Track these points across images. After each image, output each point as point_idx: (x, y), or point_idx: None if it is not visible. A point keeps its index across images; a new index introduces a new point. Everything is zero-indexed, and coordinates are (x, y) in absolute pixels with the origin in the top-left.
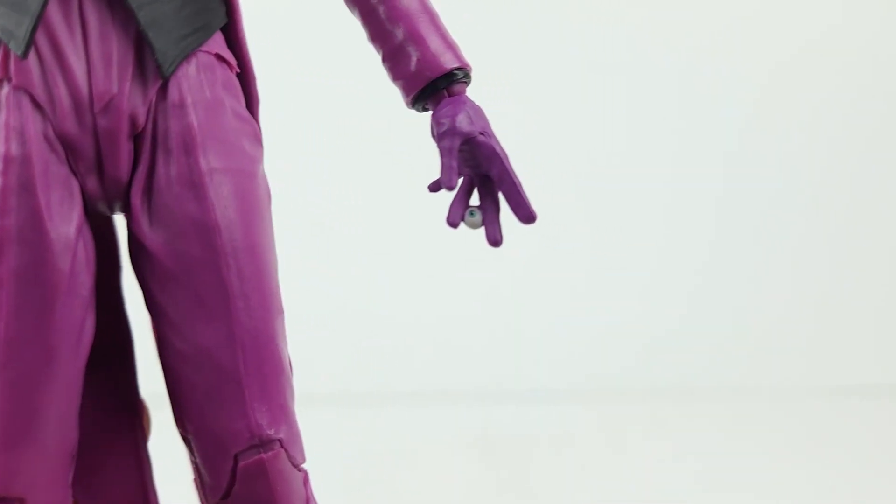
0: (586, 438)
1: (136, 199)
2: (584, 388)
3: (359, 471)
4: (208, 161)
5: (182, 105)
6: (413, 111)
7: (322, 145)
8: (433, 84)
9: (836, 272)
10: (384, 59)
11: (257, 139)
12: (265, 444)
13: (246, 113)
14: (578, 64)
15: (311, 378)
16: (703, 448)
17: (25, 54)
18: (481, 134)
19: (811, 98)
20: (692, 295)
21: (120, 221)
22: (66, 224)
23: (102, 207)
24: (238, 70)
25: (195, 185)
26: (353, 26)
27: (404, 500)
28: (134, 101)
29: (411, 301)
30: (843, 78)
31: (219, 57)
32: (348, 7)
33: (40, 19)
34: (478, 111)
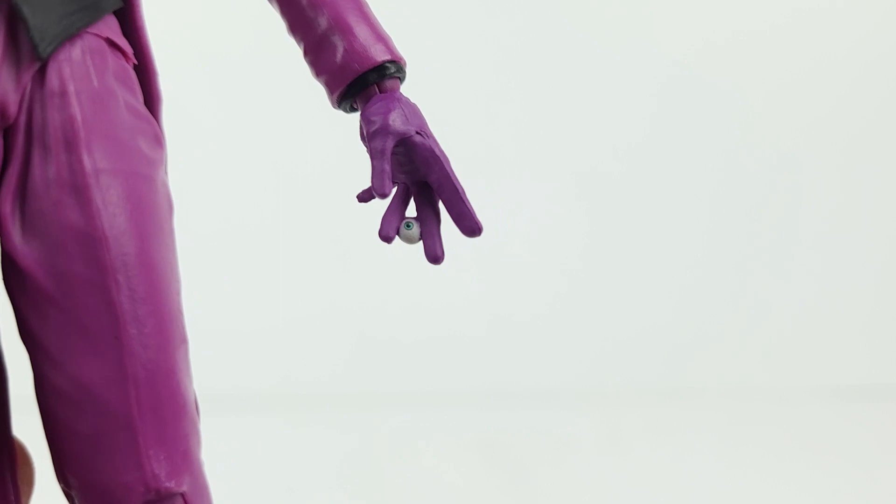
0: (588, 440)
1: (6, 204)
2: (585, 390)
3: (358, 471)
4: (94, 160)
5: (63, 94)
6: (339, 112)
7: (322, 144)
8: (362, 79)
9: (837, 272)
10: (306, 53)
11: (157, 140)
12: (164, 499)
13: (144, 109)
14: (580, 64)
15: (310, 378)
16: (707, 451)
17: None
18: (418, 133)
19: (812, 98)
20: (693, 295)
21: None
22: None
23: None
24: (135, 62)
25: (77, 188)
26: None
27: (404, 502)
28: (4, 87)
29: (411, 301)
30: (844, 77)
31: (111, 43)
32: None
33: None
34: (413, 109)
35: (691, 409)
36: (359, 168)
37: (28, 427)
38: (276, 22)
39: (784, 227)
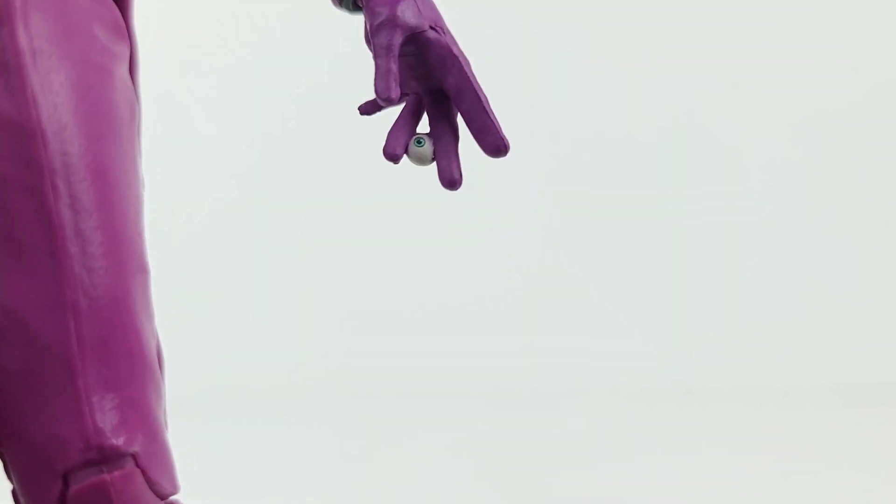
0: (588, 440)
1: None
2: (586, 390)
3: (358, 472)
4: (31, 37)
5: None
6: (342, 12)
7: (324, 143)
8: None
9: (837, 272)
10: None
11: (119, 31)
12: (110, 459)
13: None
14: (584, 63)
15: (310, 379)
16: (707, 450)
17: None
18: (432, 28)
19: (813, 98)
20: (694, 295)
21: None
22: None
23: None
24: None
25: (9, 67)
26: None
27: (404, 502)
28: None
29: (411, 301)
30: (846, 78)
31: None
32: None
33: None
34: (428, 2)
35: (691, 409)
36: (359, 169)
37: None
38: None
39: (784, 228)
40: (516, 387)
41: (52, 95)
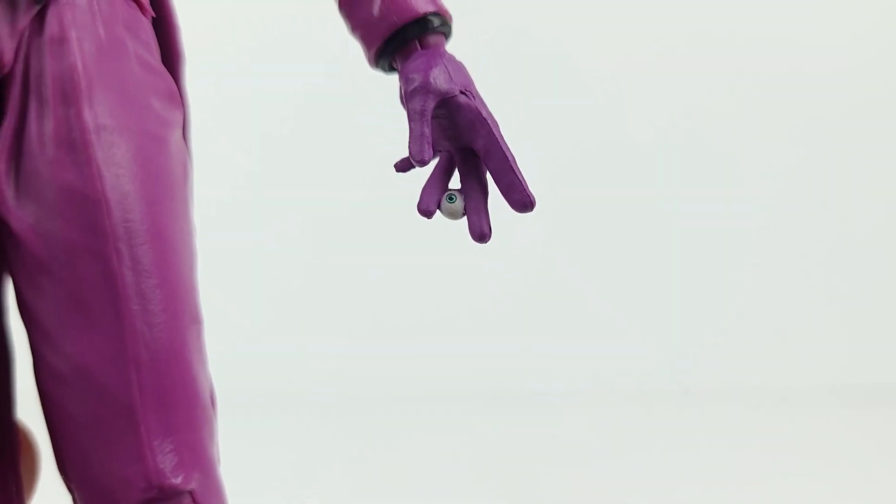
0: (588, 440)
1: (1, 162)
2: (586, 390)
3: (358, 472)
4: (95, 115)
5: (63, 41)
6: (378, 73)
7: (324, 144)
8: (401, 33)
9: (837, 272)
10: (341, 4)
11: (173, 99)
12: (169, 497)
13: (159, 65)
14: (582, 67)
15: (311, 379)
16: (707, 450)
17: None
18: (462, 93)
19: (814, 97)
20: (694, 296)
21: None
22: None
23: None
24: (153, 14)
25: (76, 145)
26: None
27: (404, 502)
28: None
29: (410, 302)
30: (846, 80)
31: None
32: None
33: None
34: (458, 66)
35: (689, 411)
36: (360, 172)
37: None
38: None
39: (785, 229)
40: (514, 388)
41: (115, 167)
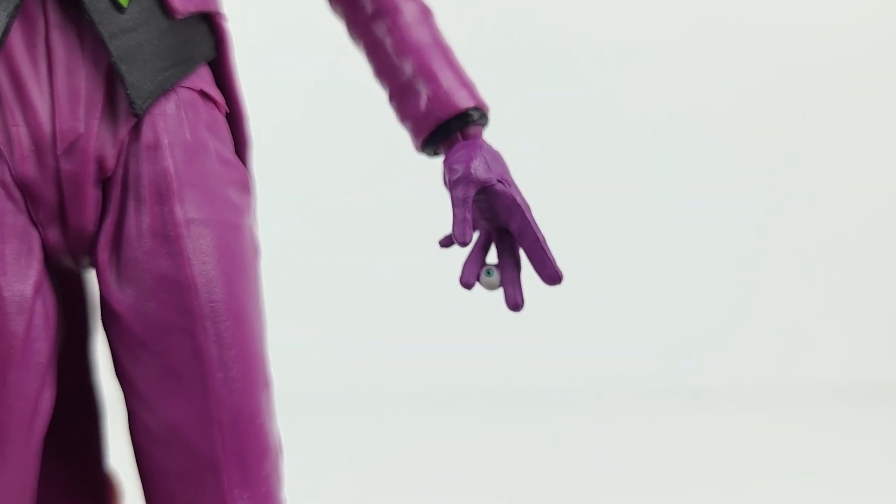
0: (590, 442)
1: (104, 253)
2: (588, 391)
3: (357, 473)
4: (185, 211)
5: (157, 147)
6: (423, 156)
7: (326, 144)
8: (445, 126)
9: (838, 273)
10: (391, 97)
11: (245, 187)
12: None
13: (233, 157)
14: (580, 62)
15: (313, 380)
16: (708, 450)
17: None
18: (500, 182)
19: (813, 98)
20: (695, 296)
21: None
22: (21, 281)
23: (68, 262)
24: (227, 110)
25: (169, 237)
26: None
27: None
28: (102, 141)
29: (412, 303)
30: (847, 77)
31: (203, 94)
32: (352, 40)
33: (0, 50)
34: (496, 156)
35: (694, 411)
36: (362, 172)
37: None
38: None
39: (785, 229)
40: (518, 388)
41: (202, 255)
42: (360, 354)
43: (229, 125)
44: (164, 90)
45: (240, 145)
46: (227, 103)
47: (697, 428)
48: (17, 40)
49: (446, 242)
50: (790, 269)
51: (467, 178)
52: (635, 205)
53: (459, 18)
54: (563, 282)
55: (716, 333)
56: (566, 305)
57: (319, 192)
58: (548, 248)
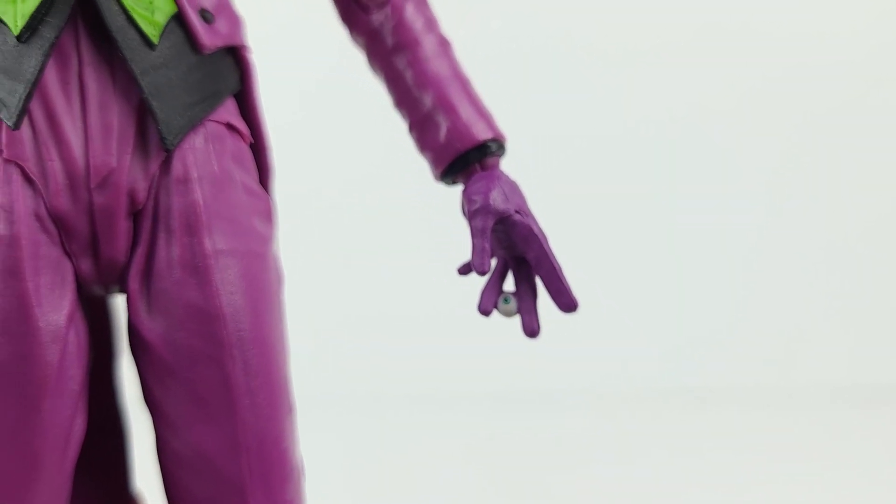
0: (592, 443)
1: (134, 282)
2: (589, 392)
3: (362, 476)
4: (214, 242)
5: (186, 180)
6: (442, 184)
7: (329, 143)
8: (464, 157)
9: (837, 273)
10: (411, 128)
11: (269, 216)
12: None
13: (258, 187)
14: (581, 63)
15: (314, 382)
16: (708, 450)
17: (17, 125)
18: (517, 212)
19: (813, 98)
20: (695, 296)
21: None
22: (55, 311)
23: (98, 290)
24: (251, 140)
25: (198, 268)
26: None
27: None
28: (134, 175)
29: (412, 303)
30: (848, 79)
31: (230, 126)
32: (372, 70)
33: (36, 86)
34: (513, 187)
35: (696, 411)
36: (363, 173)
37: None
38: None
39: (786, 230)
40: (519, 390)
41: (229, 286)
42: (362, 356)
43: (253, 154)
44: (193, 125)
45: (263, 174)
46: (252, 133)
47: (699, 429)
48: (51, 77)
49: (465, 270)
50: (791, 269)
51: (486, 210)
52: (637, 206)
53: (465, 20)
54: (578, 308)
55: (717, 334)
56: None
57: (320, 193)
58: (564, 277)
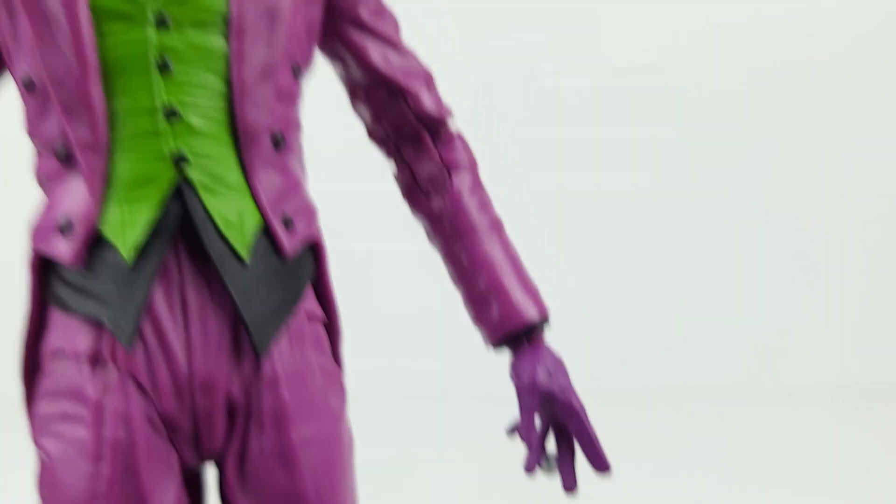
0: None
1: (231, 467)
2: (589, 392)
3: (363, 477)
4: (299, 432)
5: (275, 381)
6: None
7: (332, 143)
8: (514, 335)
9: (837, 273)
10: (466, 301)
11: (341, 388)
12: None
13: (332, 365)
14: (589, 71)
15: None
16: (708, 450)
17: (131, 345)
18: (560, 390)
19: (812, 99)
20: (694, 296)
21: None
22: (166, 499)
23: (195, 466)
24: (325, 320)
25: (287, 457)
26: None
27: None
28: (231, 379)
29: (413, 303)
30: (848, 80)
31: (308, 313)
32: (431, 243)
33: (144, 308)
34: (557, 364)
35: (695, 411)
36: (365, 173)
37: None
38: None
39: (786, 230)
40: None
41: (314, 470)
42: (362, 356)
43: (326, 328)
44: (279, 328)
45: (334, 341)
46: (325, 309)
47: (697, 428)
48: (158, 295)
49: (514, 433)
50: (791, 270)
51: (532, 388)
52: (637, 206)
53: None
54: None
55: (715, 334)
56: (566, 307)
57: (321, 193)
58: (599, 445)
